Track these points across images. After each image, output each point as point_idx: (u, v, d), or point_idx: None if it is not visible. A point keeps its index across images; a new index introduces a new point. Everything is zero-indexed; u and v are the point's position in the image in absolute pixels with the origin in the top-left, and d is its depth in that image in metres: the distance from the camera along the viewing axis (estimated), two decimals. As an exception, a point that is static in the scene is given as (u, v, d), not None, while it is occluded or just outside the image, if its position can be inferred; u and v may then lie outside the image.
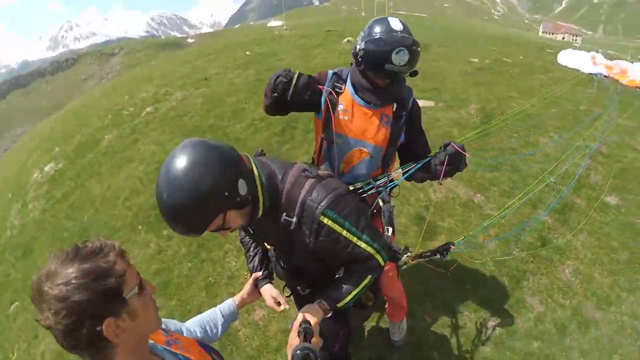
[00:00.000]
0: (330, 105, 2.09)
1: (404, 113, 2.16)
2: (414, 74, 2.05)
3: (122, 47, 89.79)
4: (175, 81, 10.38)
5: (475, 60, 10.53)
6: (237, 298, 1.79)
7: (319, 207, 1.37)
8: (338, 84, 2.14)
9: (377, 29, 1.96)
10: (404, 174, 2.19)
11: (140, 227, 4.86)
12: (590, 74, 10.65)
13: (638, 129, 6.89)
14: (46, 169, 7.74)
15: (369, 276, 1.56)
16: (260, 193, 1.35)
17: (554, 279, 3.58)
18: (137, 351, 1.03)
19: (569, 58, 11.92)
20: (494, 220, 3.87)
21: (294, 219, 1.39)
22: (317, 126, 2.28)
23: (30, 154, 10.18)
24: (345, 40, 12.66)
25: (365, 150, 2.18)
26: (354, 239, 1.45)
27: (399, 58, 1.90)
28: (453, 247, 2.36)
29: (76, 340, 0.90)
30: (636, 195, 4.73)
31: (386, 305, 3.01)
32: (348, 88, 2.14)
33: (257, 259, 1.86)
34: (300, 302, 1.86)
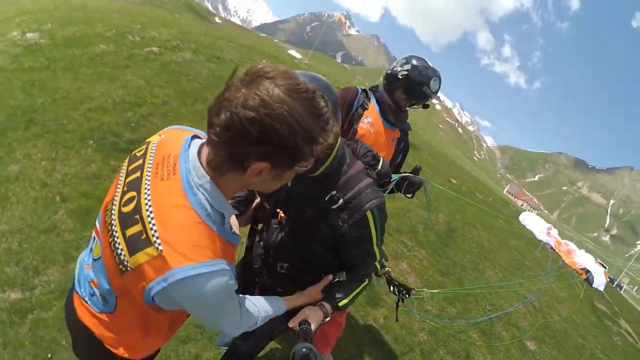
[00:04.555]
0: (356, 118, 2.51)
1: (403, 141, 2.70)
2: (426, 106, 2.65)
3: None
4: (189, 42, 10.15)
5: (454, 181, 11.35)
6: None
7: (371, 202, 1.45)
8: (366, 100, 2.56)
9: (416, 62, 2.50)
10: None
11: (91, 142, 4.43)
12: (541, 241, 11.71)
13: (566, 301, 7.56)
14: (29, 35, 7.07)
15: (367, 280, 1.69)
16: (328, 163, 1.41)
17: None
18: (238, 185, 0.95)
19: (529, 219, 13.06)
20: (443, 291, 4.12)
21: (342, 200, 1.47)
22: None
23: (22, 12, 9.37)
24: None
25: None
26: (374, 243, 1.55)
27: (435, 85, 2.47)
28: (413, 293, 2.54)
29: (222, 149, 0.83)
30: (551, 350, 5.14)
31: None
32: (375, 106, 2.56)
33: (243, 197, 1.76)
34: (265, 288, 1.81)
